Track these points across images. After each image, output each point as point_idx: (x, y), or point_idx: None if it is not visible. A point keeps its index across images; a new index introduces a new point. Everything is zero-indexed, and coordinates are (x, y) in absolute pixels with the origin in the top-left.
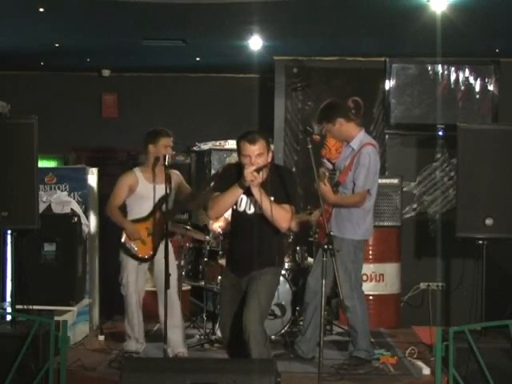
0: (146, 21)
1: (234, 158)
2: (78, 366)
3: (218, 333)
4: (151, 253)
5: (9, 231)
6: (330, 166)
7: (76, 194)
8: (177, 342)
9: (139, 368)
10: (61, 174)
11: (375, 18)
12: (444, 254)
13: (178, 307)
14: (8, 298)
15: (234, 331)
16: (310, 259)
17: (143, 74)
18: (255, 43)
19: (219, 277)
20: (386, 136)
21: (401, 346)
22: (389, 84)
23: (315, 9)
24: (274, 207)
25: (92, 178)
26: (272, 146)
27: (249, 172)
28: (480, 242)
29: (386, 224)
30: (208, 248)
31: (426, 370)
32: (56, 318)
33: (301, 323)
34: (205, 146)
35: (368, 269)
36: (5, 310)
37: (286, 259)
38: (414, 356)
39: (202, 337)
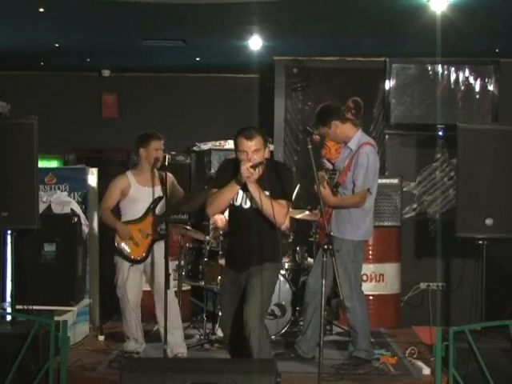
0: (146, 21)
1: None
2: (78, 366)
3: (218, 333)
4: (144, 254)
5: (9, 231)
6: (329, 166)
7: (76, 194)
8: (176, 343)
9: (139, 368)
10: (61, 174)
11: (375, 18)
12: (444, 254)
13: (176, 307)
14: (8, 298)
15: (234, 329)
16: (310, 259)
17: (143, 74)
18: (255, 43)
19: (219, 277)
20: (386, 136)
21: (401, 346)
22: (389, 84)
23: (315, 9)
24: (270, 202)
25: (92, 178)
26: (272, 146)
27: (245, 168)
28: (480, 242)
29: (385, 224)
30: (208, 248)
31: (426, 370)
32: (56, 318)
33: (301, 323)
34: (205, 146)
35: (368, 269)
36: (5, 310)
37: (286, 259)
38: (414, 356)
39: (202, 337)
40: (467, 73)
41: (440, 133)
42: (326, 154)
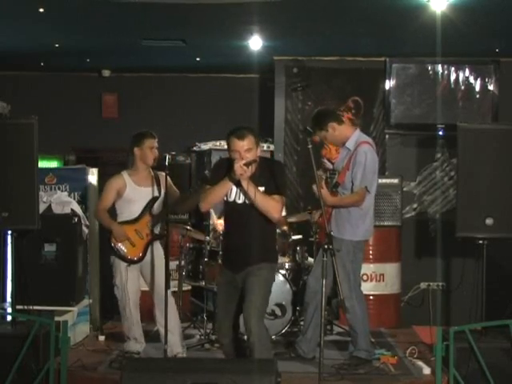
0: (146, 21)
1: None
2: (78, 367)
3: None
4: (140, 255)
5: (9, 231)
6: (330, 166)
7: (76, 194)
8: (174, 343)
9: (140, 368)
10: (61, 175)
11: (375, 17)
12: (444, 254)
13: (173, 308)
14: (8, 299)
15: (230, 329)
16: (311, 259)
17: (143, 74)
18: (255, 43)
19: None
20: (386, 136)
21: (401, 345)
22: (389, 84)
23: (315, 9)
24: (265, 198)
25: (92, 179)
26: (272, 146)
27: (238, 166)
28: (480, 241)
29: (386, 224)
30: (208, 248)
31: (427, 370)
32: (56, 319)
33: (301, 323)
34: (205, 146)
35: (368, 269)
36: (5, 310)
37: (287, 259)
38: (415, 356)
39: (203, 337)
40: (467, 72)
41: (440, 132)
42: (326, 153)
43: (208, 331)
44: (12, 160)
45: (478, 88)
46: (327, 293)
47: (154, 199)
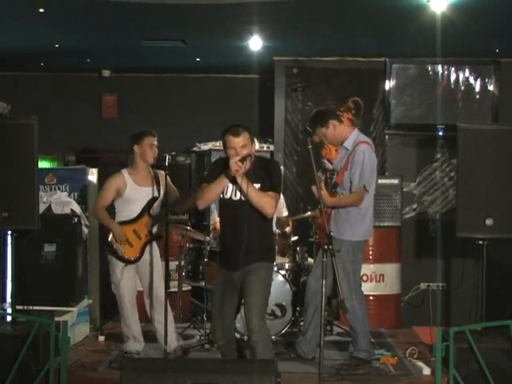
0: (146, 21)
1: None
2: (78, 367)
3: None
4: (138, 255)
5: (9, 232)
6: (330, 166)
7: (76, 194)
8: (171, 339)
9: (139, 368)
10: (61, 175)
11: (375, 18)
12: (444, 254)
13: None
14: (8, 299)
15: (225, 330)
16: (310, 259)
17: (143, 75)
18: (255, 43)
19: None
20: (386, 136)
21: (401, 346)
22: (389, 84)
23: (315, 9)
24: (259, 193)
25: (92, 179)
26: (272, 147)
27: (234, 162)
28: (480, 242)
29: (386, 224)
30: (208, 248)
31: (427, 371)
32: (56, 319)
33: (301, 323)
34: (205, 147)
35: (368, 269)
36: (5, 310)
37: (287, 259)
38: (415, 356)
39: (203, 337)
40: (467, 73)
41: (440, 133)
42: (326, 154)
43: (208, 331)
44: (12, 160)
45: (477, 88)
46: (327, 293)
47: (153, 199)
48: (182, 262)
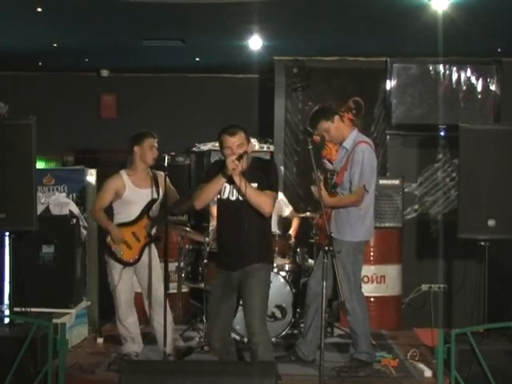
0: (146, 21)
1: None
2: (76, 369)
3: None
4: (136, 257)
5: (7, 233)
6: (330, 166)
7: (74, 195)
8: (170, 341)
9: (138, 370)
10: (59, 175)
11: (376, 17)
12: (446, 256)
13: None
14: (6, 301)
15: (221, 333)
16: (311, 261)
17: (142, 75)
18: (255, 43)
19: None
20: (387, 136)
21: (402, 348)
22: (390, 84)
23: (315, 8)
24: (256, 193)
25: (91, 179)
26: (272, 147)
27: (230, 161)
28: (482, 243)
29: (387, 225)
30: (208, 250)
31: (428, 373)
32: (54, 321)
33: (302, 325)
34: (204, 147)
35: (369, 270)
36: (3, 312)
37: (287, 261)
38: (416, 358)
39: (202, 339)
40: (469, 72)
41: (442, 133)
42: (326, 154)
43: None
44: (10, 161)
45: (479, 88)
46: (328, 295)
47: (152, 201)
48: (182, 264)
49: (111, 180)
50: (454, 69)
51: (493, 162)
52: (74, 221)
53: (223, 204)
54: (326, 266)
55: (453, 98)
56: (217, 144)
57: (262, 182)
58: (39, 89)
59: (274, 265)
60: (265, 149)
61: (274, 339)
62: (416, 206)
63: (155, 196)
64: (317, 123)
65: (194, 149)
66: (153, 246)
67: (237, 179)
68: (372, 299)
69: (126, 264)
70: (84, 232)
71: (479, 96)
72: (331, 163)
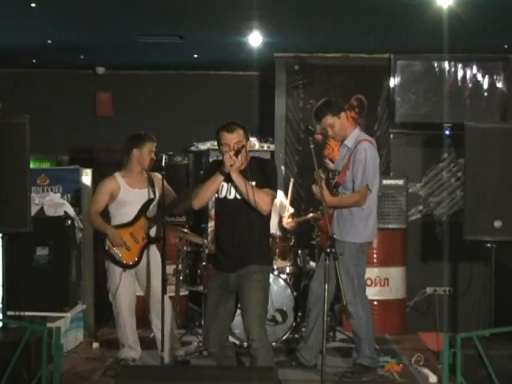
0: (142, 16)
1: None
2: (71, 375)
3: None
4: (136, 259)
5: (0, 234)
6: (332, 166)
7: (69, 195)
8: (173, 347)
9: (135, 376)
10: (54, 175)
11: (379, 12)
12: (451, 258)
13: (170, 312)
14: None
15: (218, 337)
16: (312, 263)
17: (139, 72)
18: (255, 39)
19: None
20: (391, 135)
21: (406, 352)
22: (393, 81)
23: (317, 3)
24: (254, 190)
25: (86, 180)
26: (272, 146)
27: (228, 157)
28: (488, 244)
29: (390, 226)
30: (206, 252)
31: (433, 378)
32: (49, 325)
33: (303, 329)
34: (203, 146)
35: (372, 273)
36: None
37: (288, 263)
38: (421, 363)
39: (201, 343)
40: (475, 69)
41: (447, 132)
42: (328, 154)
43: None
44: (3, 160)
45: (485, 86)
46: (330, 298)
47: (148, 201)
48: (180, 266)
49: (105, 182)
50: (460, 66)
51: (499, 161)
52: (69, 222)
53: (221, 203)
54: (328, 269)
55: (458, 96)
56: (216, 143)
57: (261, 181)
58: (33, 86)
59: (275, 267)
60: (265, 148)
61: (274, 344)
62: (420, 207)
63: (151, 196)
64: (322, 117)
65: (192, 148)
66: (153, 247)
67: (234, 176)
68: (375, 303)
69: (125, 267)
70: (79, 234)
71: (485, 94)
72: (333, 163)
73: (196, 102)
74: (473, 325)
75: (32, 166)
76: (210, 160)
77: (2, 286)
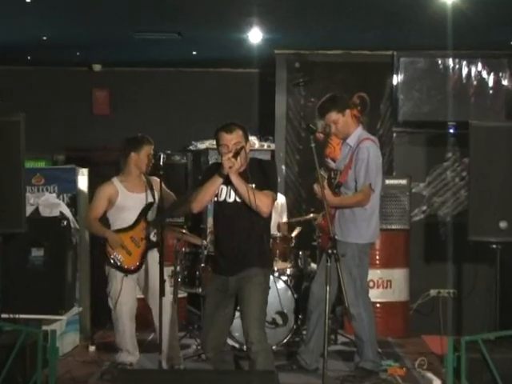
0: (139, 12)
1: None
2: (67, 379)
3: None
4: (137, 263)
5: None
6: (333, 165)
7: (65, 195)
8: (175, 354)
9: (132, 380)
10: (49, 175)
11: (382, 8)
12: (455, 259)
13: (174, 317)
14: None
15: (216, 341)
16: (314, 264)
17: (136, 69)
18: (255, 36)
19: None
20: (394, 134)
21: (410, 356)
22: (396, 79)
23: None
24: (254, 192)
25: (82, 179)
26: (272, 145)
27: (226, 159)
28: (494, 245)
29: (393, 227)
30: (205, 253)
31: (437, 382)
32: (44, 328)
33: (304, 332)
34: (202, 145)
35: (375, 275)
36: None
37: (288, 265)
38: (424, 367)
39: (200, 347)
40: (480, 67)
41: (451, 130)
42: (330, 153)
43: None
44: None
45: (491, 83)
46: (331, 300)
47: (148, 205)
48: (178, 268)
49: (103, 188)
50: (464, 63)
51: (505, 160)
52: (65, 223)
53: (220, 206)
54: (329, 270)
55: (462, 94)
56: (214, 142)
57: (261, 183)
58: (28, 84)
59: (275, 269)
60: (265, 147)
61: (274, 347)
62: (424, 207)
63: (151, 199)
64: (326, 112)
65: (190, 147)
66: (155, 251)
67: (233, 178)
68: (378, 305)
69: (127, 272)
70: (75, 234)
71: (490, 91)
72: (334, 162)
73: (195, 100)
74: (478, 328)
75: (27, 165)
76: (209, 159)
77: None
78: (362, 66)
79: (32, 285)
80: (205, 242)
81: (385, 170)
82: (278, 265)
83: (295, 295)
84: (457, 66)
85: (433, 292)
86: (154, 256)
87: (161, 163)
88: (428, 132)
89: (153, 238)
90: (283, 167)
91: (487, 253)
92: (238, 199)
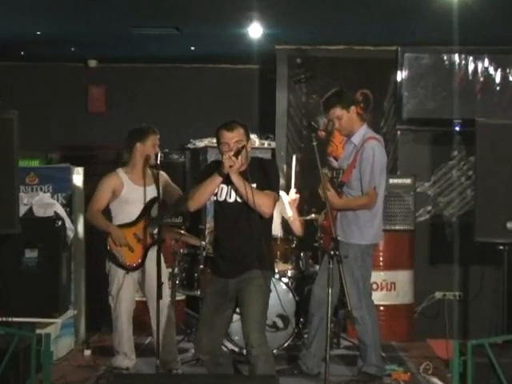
0: (137, 7)
1: None
2: None
3: None
4: (139, 261)
5: None
6: (335, 164)
7: (60, 195)
8: (174, 358)
9: None
10: (43, 174)
11: (385, 2)
12: (461, 261)
13: (172, 320)
14: None
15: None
16: (316, 266)
17: (133, 65)
18: (255, 31)
19: None
20: (398, 132)
21: (414, 360)
22: (401, 75)
23: None
24: (255, 192)
25: (77, 179)
26: (273, 143)
27: (227, 157)
28: (501, 247)
29: (397, 228)
30: (204, 254)
31: None
32: (38, 331)
33: (305, 336)
34: (200, 143)
35: (378, 277)
36: None
37: (289, 266)
38: (429, 372)
39: None
40: (486, 62)
41: (457, 128)
42: (332, 151)
43: None
44: None
45: (498, 79)
46: (334, 303)
47: (153, 200)
48: (176, 269)
49: (107, 179)
50: (470, 59)
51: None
52: (60, 223)
53: (220, 206)
54: (331, 272)
55: (469, 90)
56: (214, 140)
57: (262, 183)
58: (21, 80)
59: (276, 270)
60: (265, 145)
61: (275, 351)
62: (429, 207)
63: (156, 194)
64: (330, 107)
65: (189, 145)
66: (156, 251)
67: (234, 177)
68: (381, 308)
69: (128, 269)
70: (70, 235)
71: (497, 88)
72: (336, 161)
73: (193, 97)
74: (484, 331)
75: (20, 164)
76: (208, 158)
77: None
78: (366, 62)
79: (25, 287)
80: (203, 243)
81: (389, 168)
82: (279, 266)
83: (296, 298)
84: (463, 62)
85: (438, 294)
86: (153, 257)
87: (158, 161)
88: (433, 130)
89: (156, 234)
90: (284, 166)
91: (494, 254)
92: (238, 199)
